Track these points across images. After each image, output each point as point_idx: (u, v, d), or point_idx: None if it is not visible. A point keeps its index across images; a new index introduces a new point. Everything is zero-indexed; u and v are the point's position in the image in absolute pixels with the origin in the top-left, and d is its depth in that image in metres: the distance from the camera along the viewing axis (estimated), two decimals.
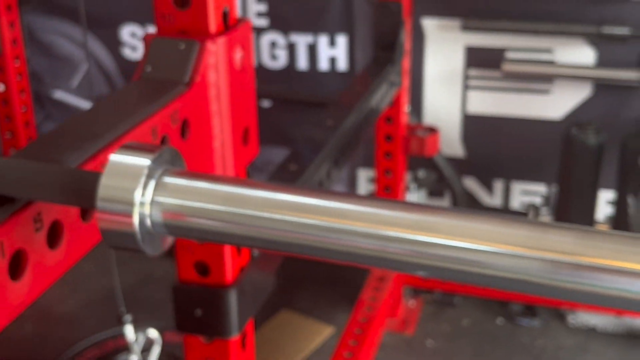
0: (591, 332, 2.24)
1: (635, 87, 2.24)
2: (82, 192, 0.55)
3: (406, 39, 1.98)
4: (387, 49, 1.93)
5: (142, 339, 1.31)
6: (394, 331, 2.26)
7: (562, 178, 2.11)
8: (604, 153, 2.03)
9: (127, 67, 2.68)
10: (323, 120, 1.50)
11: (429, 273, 0.62)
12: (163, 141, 0.75)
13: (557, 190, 2.16)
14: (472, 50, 2.38)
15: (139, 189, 0.55)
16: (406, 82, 2.05)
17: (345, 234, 0.58)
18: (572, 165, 2.04)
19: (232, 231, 0.57)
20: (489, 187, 2.54)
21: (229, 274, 0.97)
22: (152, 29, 2.60)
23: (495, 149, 2.48)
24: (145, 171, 0.56)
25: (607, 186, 2.24)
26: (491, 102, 2.43)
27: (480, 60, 2.38)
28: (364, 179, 2.62)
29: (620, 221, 2.08)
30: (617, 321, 2.22)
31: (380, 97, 1.75)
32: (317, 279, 2.50)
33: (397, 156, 2.10)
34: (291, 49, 2.50)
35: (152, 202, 0.56)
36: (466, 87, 2.42)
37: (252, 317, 1.04)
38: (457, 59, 2.40)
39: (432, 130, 2.12)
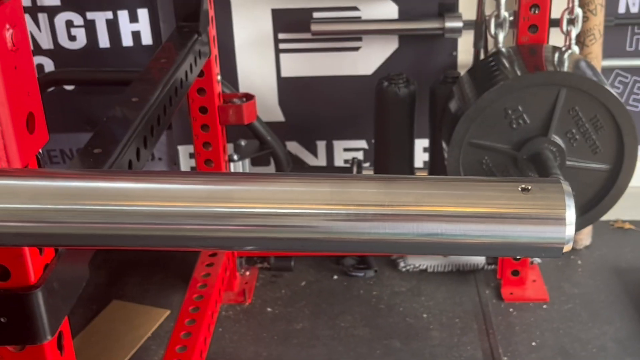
0: (422, 274, 2.33)
1: (438, 35, 2.31)
2: None
3: (210, 7, 1.92)
4: (189, 18, 1.86)
5: None
6: (232, 303, 2.24)
7: (378, 130, 2.15)
8: (415, 102, 2.09)
9: None
10: (127, 97, 1.43)
11: (257, 246, 0.60)
12: None
13: (375, 143, 2.19)
14: (280, 13, 2.36)
15: None
16: (215, 51, 1.99)
17: (169, 216, 0.54)
18: (386, 116, 2.08)
19: (60, 231, 0.51)
20: (311, 149, 2.55)
21: (32, 274, 0.89)
22: None
23: (313, 110, 2.49)
24: None
25: (422, 135, 2.32)
26: (304, 64, 2.43)
27: (289, 23, 2.37)
28: (186, 156, 2.55)
29: (436, 166, 2.15)
30: (444, 260, 2.32)
31: (189, 69, 1.68)
32: (145, 264, 2.42)
33: (215, 127, 2.05)
34: (90, 27, 2.37)
35: None
36: (278, 51, 2.41)
37: (66, 316, 0.97)
38: (266, 23, 2.37)
39: (248, 97, 2.09)
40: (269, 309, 2.21)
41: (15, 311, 0.89)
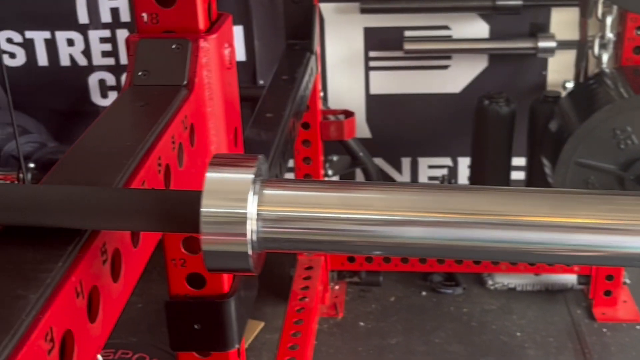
0: (511, 292, 2.33)
1: (530, 54, 2.33)
2: (183, 216, 0.50)
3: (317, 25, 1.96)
4: (299, 36, 1.90)
5: None
6: (325, 316, 2.26)
7: (476, 149, 2.16)
8: (515, 121, 2.10)
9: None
10: (261, 112, 1.46)
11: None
12: (180, 150, 0.69)
13: (472, 160, 2.21)
14: (372, 31, 2.39)
15: (249, 205, 0.51)
16: (319, 68, 2.03)
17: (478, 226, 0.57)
18: (486, 134, 2.10)
19: (348, 238, 0.54)
20: (396, 165, 2.57)
21: (226, 283, 0.92)
22: (30, 35, 2.45)
23: (400, 127, 2.51)
24: (250, 186, 0.51)
25: (515, 153, 2.33)
26: (393, 81, 2.46)
27: (380, 41, 2.40)
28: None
29: (533, 182, 2.16)
30: (534, 279, 2.32)
31: (306, 86, 1.72)
32: None
33: (316, 143, 2.09)
34: None
35: (260, 218, 0.52)
36: (368, 68, 2.44)
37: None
38: (358, 41, 2.41)
39: (348, 114, 2.12)
40: (361, 323, 2.23)
41: (210, 318, 0.92)
